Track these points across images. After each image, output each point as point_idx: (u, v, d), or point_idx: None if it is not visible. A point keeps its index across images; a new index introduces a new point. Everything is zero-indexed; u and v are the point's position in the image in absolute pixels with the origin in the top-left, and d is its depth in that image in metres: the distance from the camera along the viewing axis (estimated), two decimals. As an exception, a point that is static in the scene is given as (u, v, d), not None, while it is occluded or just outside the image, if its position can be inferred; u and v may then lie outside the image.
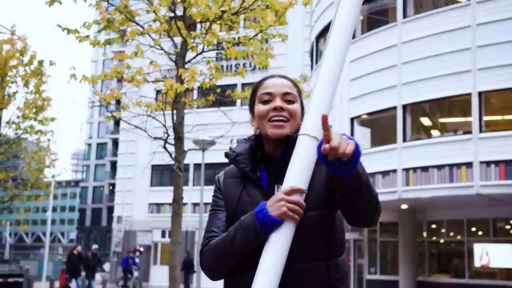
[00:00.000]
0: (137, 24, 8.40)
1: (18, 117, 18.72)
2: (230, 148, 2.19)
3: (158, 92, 19.69)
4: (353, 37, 21.10)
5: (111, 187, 74.30)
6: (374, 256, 23.12)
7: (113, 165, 74.53)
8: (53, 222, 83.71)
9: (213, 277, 2.06)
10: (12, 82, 18.58)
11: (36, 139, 19.18)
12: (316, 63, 25.00)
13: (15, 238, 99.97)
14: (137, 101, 8.38)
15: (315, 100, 1.91)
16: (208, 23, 8.89)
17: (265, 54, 9.29)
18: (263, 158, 2.06)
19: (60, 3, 8.24)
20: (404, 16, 19.70)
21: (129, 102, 8.50)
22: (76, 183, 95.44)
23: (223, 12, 8.78)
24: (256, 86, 2.13)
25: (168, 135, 8.49)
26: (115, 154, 73.85)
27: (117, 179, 36.48)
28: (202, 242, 2.07)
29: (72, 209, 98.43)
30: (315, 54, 25.26)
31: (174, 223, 8.63)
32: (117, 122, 73.75)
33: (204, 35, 8.61)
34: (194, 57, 8.79)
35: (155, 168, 32.82)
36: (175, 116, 8.69)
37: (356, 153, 1.74)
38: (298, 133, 1.96)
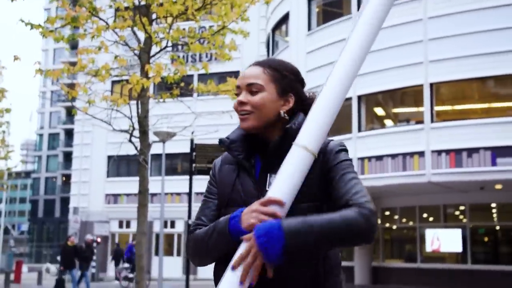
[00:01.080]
0: (102, 20, 8.50)
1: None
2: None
3: (113, 83, 19.69)
4: (309, 29, 21.57)
5: (64, 178, 73.21)
6: (330, 243, 23.69)
7: (66, 155, 73.36)
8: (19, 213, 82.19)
9: (198, 265, 2.05)
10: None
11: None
12: (273, 54, 25.31)
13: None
14: (103, 96, 8.48)
15: (319, 110, 1.83)
16: (171, 18, 9.04)
17: (228, 47, 9.50)
18: (259, 145, 2.01)
19: (24, -1, 8.26)
20: (359, 8, 20.14)
21: (95, 96, 8.58)
22: (27, 174, 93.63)
23: (186, 8, 8.95)
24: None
25: (134, 128, 8.64)
26: (68, 144, 72.72)
27: (72, 170, 36.11)
28: (190, 228, 2.03)
29: (22, 200, 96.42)
30: (271, 45, 25.57)
31: (140, 214, 8.80)
32: (69, 113, 72.62)
33: (168, 31, 8.77)
34: (159, 52, 8.95)
35: (111, 159, 32.69)
36: (139, 110, 8.83)
37: (273, 259, 1.71)
38: (296, 124, 1.94)
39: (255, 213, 1.78)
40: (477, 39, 17.37)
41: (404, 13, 18.65)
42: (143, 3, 8.84)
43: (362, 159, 19.14)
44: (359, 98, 19.66)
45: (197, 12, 9.11)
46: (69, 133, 73.30)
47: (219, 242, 1.86)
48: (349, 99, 19.84)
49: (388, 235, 23.36)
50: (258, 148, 2.02)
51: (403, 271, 21.68)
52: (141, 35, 9.08)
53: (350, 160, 2.01)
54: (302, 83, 2.12)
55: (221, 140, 2.05)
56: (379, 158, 18.70)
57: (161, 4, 8.53)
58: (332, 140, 2.01)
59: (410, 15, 18.57)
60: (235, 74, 28.83)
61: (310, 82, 21.39)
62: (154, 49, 9.19)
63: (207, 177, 2.21)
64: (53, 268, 36.32)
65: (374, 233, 1.84)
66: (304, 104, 2.04)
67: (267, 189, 1.88)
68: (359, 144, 19.35)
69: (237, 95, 2.01)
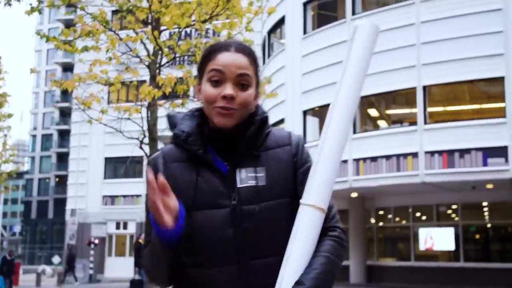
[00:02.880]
0: (114, 32, 8.91)
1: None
2: (174, 125, 1.84)
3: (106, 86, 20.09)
4: (304, 32, 21.97)
5: (57, 179, 73.32)
6: (326, 242, 24.14)
7: (60, 156, 73.49)
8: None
9: (158, 285, 1.83)
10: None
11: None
12: (268, 57, 25.75)
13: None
14: (116, 106, 8.91)
15: (323, 167, 1.70)
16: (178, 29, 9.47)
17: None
18: (213, 137, 1.78)
19: (40, 13, 8.67)
20: (353, 13, 20.65)
21: (105, 102, 9.00)
22: (19, 174, 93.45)
23: (193, 19, 9.39)
24: (207, 55, 1.78)
25: (145, 136, 9.06)
26: (61, 145, 72.86)
27: (69, 172, 36.38)
28: (144, 244, 1.83)
29: (14, 201, 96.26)
30: (267, 48, 26.02)
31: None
32: (63, 113, 72.73)
33: (176, 42, 9.20)
34: (168, 62, 9.37)
35: (108, 161, 33.06)
36: (149, 118, 9.25)
37: None
38: (265, 114, 1.82)
39: (150, 202, 1.57)
40: (468, 43, 17.88)
41: (398, 17, 19.15)
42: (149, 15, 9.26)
43: (357, 160, 19.62)
44: (354, 100, 20.13)
45: (203, 24, 9.55)
46: (63, 134, 73.44)
47: (157, 250, 1.66)
48: (344, 101, 20.31)
49: (382, 234, 23.86)
50: (211, 140, 1.79)
51: (397, 270, 22.19)
52: (150, 46, 9.51)
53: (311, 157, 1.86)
54: None
55: (176, 134, 1.79)
56: (374, 159, 19.18)
57: (170, 17, 8.95)
58: (291, 131, 1.90)
59: (403, 19, 19.07)
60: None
61: (305, 85, 21.95)
62: (163, 59, 9.61)
63: None
64: (49, 269, 36.65)
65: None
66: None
67: (238, 185, 1.73)
68: (354, 146, 19.82)
69: (216, 82, 1.72)
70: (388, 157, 18.85)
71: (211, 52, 1.77)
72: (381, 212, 23.62)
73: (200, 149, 1.75)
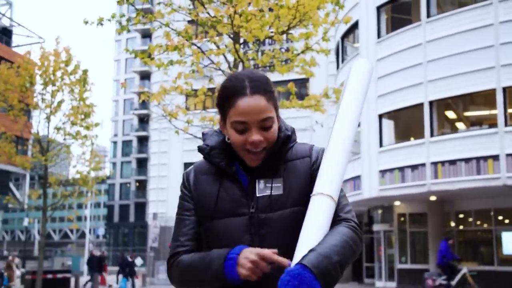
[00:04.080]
0: (197, 46, 9.41)
1: (64, 123, 19.78)
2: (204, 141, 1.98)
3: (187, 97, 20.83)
4: (379, 36, 21.96)
5: (137, 184, 75.85)
6: (404, 246, 24.00)
7: (139, 162, 76.00)
8: (79, 218, 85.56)
9: None
10: (58, 91, 19.67)
11: (81, 143, 20.27)
12: (342, 61, 25.87)
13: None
14: (202, 117, 9.39)
15: (331, 158, 1.82)
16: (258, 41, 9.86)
17: (308, 64, 10.23)
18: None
19: (129, 31, 9.30)
20: (428, 15, 20.48)
21: (191, 113, 9.50)
22: (102, 180, 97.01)
23: (272, 31, 9.75)
24: (225, 99, 1.84)
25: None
26: (140, 151, 75.34)
27: (150, 177, 37.73)
28: (170, 251, 1.94)
29: (97, 205, 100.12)
30: (341, 53, 26.14)
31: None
32: (141, 120, 75.18)
33: (257, 53, 9.60)
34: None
35: (187, 166, 34.05)
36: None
37: None
38: (289, 130, 1.93)
39: (252, 264, 1.68)
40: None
41: (475, 18, 18.87)
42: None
43: (435, 163, 19.43)
44: (431, 103, 19.97)
45: (281, 35, 9.90)
46: (142, 140, 75.93)
47: (213, 280, 1.77)
48: (420, 104, 20.19)
49: (463, 237, 23.43)
50: (236, 155, 1.90)
51: (480, 274, 21.74)
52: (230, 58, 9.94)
53: None
54: None
55: (200, 148, 1.93)
56: (453, 162, 18.94)
57: (250, 31, 9.35)
58: (314, 145, 1.99)
59: (481, 20, 18.76)
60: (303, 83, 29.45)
61: (381, 89, 21.97)
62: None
63: None
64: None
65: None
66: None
67: (257, 195, 1.84)
68: (431, 149, 19.64)
69: (242, 131, 1.80)
70: (467, 160, 18.57)
71: (228, 96, 1.82)
72: (461, 216, 23.22)
73: (222, 162, 1.88)
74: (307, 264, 1.60)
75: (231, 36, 9.09)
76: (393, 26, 22.36)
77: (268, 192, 1.84)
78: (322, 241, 1.69)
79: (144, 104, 74.70)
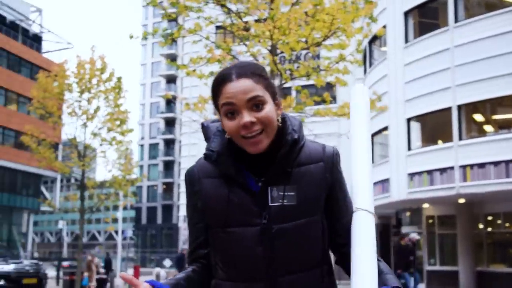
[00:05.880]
0: (237, 59, 9.91)
1: (99, 129, 20.46)
2: (207, 137, 1.89)
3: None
4: (406, 41, 22.22)
5: (165, 186, 76.82)
6: (433, 248, 24.22)
7: (166, 164, 76.98)
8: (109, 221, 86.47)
9: None
10: (94, 98, 20.36)
11: (116, 148, 20.96)
12: (370, 66, 26.19)
13: (72, 237, 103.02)
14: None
15: (362, 175, 1.82)
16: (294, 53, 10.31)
17: (342, 72, 10.65)
18: (247, 156, 1.79)
19: (171, 43, 9.82)
20: (456, 20, 20.72)
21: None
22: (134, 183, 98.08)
23: (307, 42, 10.20)
24: (214, 90, 1.80)
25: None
26: (167, 154, 76.30)
27: (181, 180, 38.41)
28: (186, 258, 1.96)
29: (125, 207, 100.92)
30: (368, 57, 26.46)
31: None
32: (167, 123, 76.14)
33: (293, 64, 10.06)
34: (284, 84, 10.25)
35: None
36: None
37: None
38: (296, 130, 1.83)
39: None
40: None
41: (503, 23, 19.07)
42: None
43: (463, 167, 19.66)
44: (459, 107, 20.21)
45: (316, 47, 10.35)
46: (168, 143, 76.94)
47: None
48: (449, 108, 20.44)
49: (491, 239, 23.57)
50: (244, 158, 1.80)
51: (509, 276, 21.88)
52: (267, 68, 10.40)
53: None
54: None
55: (206, 155, 1.82)
56: (481, 165, 19.17)
57: (287, 43, 9.82)
58: (325, 145, 1.91)
59: (508, 25, 18.95)
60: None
61: (409, 93, 22.27)
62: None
63: None
64: (163, 272, 38.89)
65: None
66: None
67: (270, 204, 1.76)
68: (460, 153, 19.88)
69: (231, 113, 1.73)
70: (496, 163, 18.78)
71: (216, 86, 1.77)
72: (489, 218, 23.37)
73: (231, 169, 1.78)
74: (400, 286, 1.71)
75: (269, 49, 9.55)
76: (420, 31, 22.62)
77: (281, 201, 1.76)
78: (380, 263, 1.78)
79: (170, 107, 75.74)
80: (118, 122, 19.86)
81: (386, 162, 23.96)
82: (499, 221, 23.03)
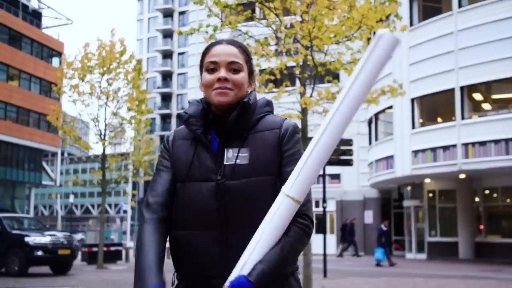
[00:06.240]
0: (279, 55, 10.95)
1: (119, 109, 21.40)
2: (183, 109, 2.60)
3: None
4: (411, 24, 23.22)
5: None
6: (434, 220, 25.56)
7: (162, 138, 77.68)
8: (99, 194, 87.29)
9: None
10: (115, 80, 21.25)
11: (135, 127, 21.95)
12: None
13: (65, 210, 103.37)
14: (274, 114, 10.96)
15: (311, 163, 1.80)
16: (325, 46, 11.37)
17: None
18: (215, 121, 2.02)
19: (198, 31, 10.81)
20: (460, 5, 21.75)
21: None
22: (122, 155, 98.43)
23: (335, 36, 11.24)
24: (204, 52, 2.07)
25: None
26: (164, 128, 77.10)
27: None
28: (145, 198, 2.04)
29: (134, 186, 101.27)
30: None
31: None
32: (164, 98, 76.74)
33: (329, 62, 11.11)
34: (314, 76, 11.32)
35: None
36: (302, 120, 11.27)
37: None
38: (251, 99, 1.99)
39: None
40: None
41: (504, 9, 20.10)
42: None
43: (466, 144, 20.89)
44: (462, 89, 21.36)
45: (346, 43, 11.40)
46: (165, 118, 77.72)
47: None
48: (452, 89, 21.60)
49: (489, 212, 24.88)
50: (213, 123, 2.03)
51: (505, 246, 23.24)
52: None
53: (300, 144, 2.02)
54: None
55: (179, 115, 2.07)
56: (482, 143, 20.39)
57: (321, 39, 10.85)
58: (286, 119, 2.03)
59: (510, 11, 19.97)
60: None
61: (413, 74, 23.45)
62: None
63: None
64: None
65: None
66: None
67: (225, 163, 1.94)
68: (462, 131, 21.08)
69: (211, 70, 1.99)
70: (496, 141, 20.00)
71: (207, 48, 2.06)
72: (487, 192, 24.68)
73: (198, 129, 2.00)
74: (250, 279, 1.76)
75: (309, 45, 10.58)
76: (425, 15, 23.62)
77: (234, 162, 1.94)
78: (266, 258, 1.80)
79: (166, 83, 76.47)
80: (137, 102, 20.78)
81: (390, 140, 25.15)
82: (495, 195, 24.36)
